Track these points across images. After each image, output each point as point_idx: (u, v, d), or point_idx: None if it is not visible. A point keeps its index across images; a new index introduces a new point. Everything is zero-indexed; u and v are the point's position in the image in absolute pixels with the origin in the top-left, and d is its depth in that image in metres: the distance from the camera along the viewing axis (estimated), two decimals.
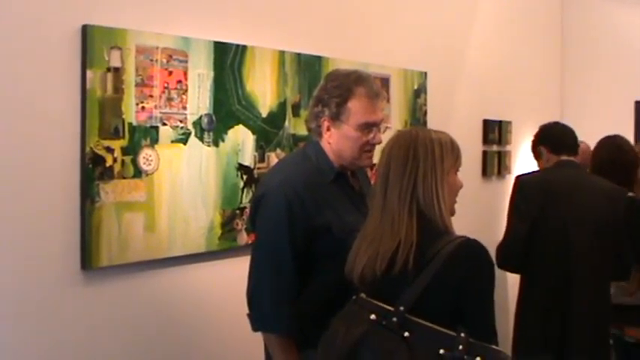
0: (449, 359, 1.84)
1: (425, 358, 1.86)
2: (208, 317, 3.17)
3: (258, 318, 2.35)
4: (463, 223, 2.31)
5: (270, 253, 2.32)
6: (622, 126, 6.23)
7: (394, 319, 1.89)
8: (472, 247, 1.98)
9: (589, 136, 5.15)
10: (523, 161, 5.50)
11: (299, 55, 3.53)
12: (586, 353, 3.41)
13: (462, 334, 1.86)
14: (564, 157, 3.57)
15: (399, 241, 1.96)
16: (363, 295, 1.96)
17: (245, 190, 3.26)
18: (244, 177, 3.26)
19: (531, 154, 3.82)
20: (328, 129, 2.39)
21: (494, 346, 1.90)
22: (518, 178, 3.61)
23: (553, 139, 3.64)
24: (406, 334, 1.87)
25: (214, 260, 3.17)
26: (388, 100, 4.08)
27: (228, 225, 3.19)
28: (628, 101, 6.37)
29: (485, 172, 5.25)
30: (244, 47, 3.24)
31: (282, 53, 3.43)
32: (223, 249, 3.18)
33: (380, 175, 2.06)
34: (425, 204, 1.99)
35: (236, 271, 3.09)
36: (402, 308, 1.90)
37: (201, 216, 3.08)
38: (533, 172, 3.75)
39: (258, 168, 3.32)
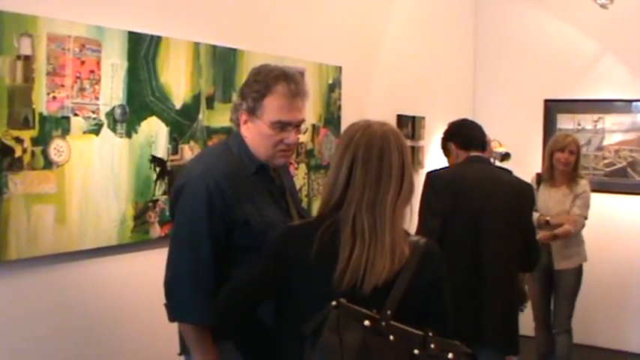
0: (424, 358, 1.96)
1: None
2: (120, 311, 3.22)
3: (176, 307, 2.40)
4: None
5: (189, 243, 2.38)
6: (532, 124, 6.60)
7: (383, 323, 1.95)
8: (435, 250, 2.12)
9: (500, 133, 5.44)
10: (436, 156, 5.73)
11: (214, 47, 3.61)
12: (497, 343, 3.60)
13: (430, 333, 1.98)
14: (474, 153, 3.76)
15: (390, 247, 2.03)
16: (343, 300, 1.94)
17: (158, 182, 3.32)
18: (157, 169, 3.33)
19: (442, 151, 3.99)
20: (245, 122, 2.47)
21: (456, 342, 2.03)
22: (429, 174, 3.76)
23: (462, 135, 3.82)
24: (391, 337, 1.95)
25: (126, 253, 3.23)
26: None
27: (140, 218, 3.25)
28: (538, 100, 6.73)
29: None
30: (159, 38, 3.31)
31: (197, 45, 3.51)
32: (136, 242, 3.24)
33: (365, 167, 2.05)
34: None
35: (149, 264, 3.17)
36: (389, 312, 1.96)
37: (114, 208, 3.13)
38: (444, 167, 3.92)
39: (172, 160, 3.39)
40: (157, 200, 3.32)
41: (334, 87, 4.63)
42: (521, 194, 3.73)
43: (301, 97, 2.46)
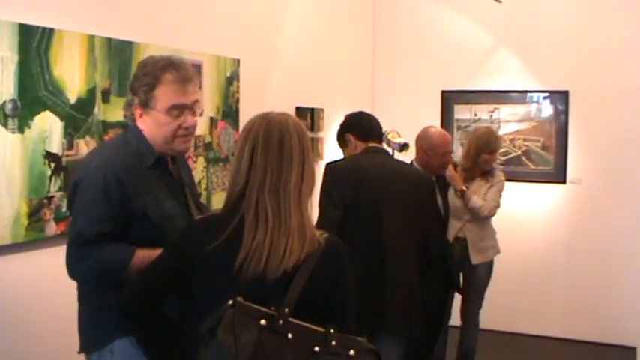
0: (325, 355, 2.02)
1: (302, 358, 1.99)
2: (16, 311, 3.21)
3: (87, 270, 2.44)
4: None
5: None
6: (429, 114, 6.86)
7: (280, 321, 1.98)
8: (338, 245, 2.19)
9: (399, 124, 5.59)
10: (335, 148, 5.88)
11: (109, 40, 3.64)
12: (399, 330, 3.78)
13: (332, 330, 2.05)
14: (372, 144, 3.93)
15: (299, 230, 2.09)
16: (240, 298, 1.97)
17: (53, 178, 3.32)
18: (52, 165, 3.32)
19: (337, 143, 4.14)
20: (141, 116, 2.55)
21: (359, 338, 2.11)
22: (328, 165, 3.90)
23: (362, 127, 3.99)
24: (290, 335, 1.99)
25: (21, 252, 3.21)
26: (200, 87, 4.23)
27: (35, 215, 3.25)
28: (435, 91, 7.03)
29: None
30: (52, 30, 3.30)
31: (91, 38, 3.53)
32: (31, 240, 3.23)
33: (265, 151, 2.11)
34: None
35: (45, 263, 3.19)
36: (286, 310, 1.99)
37: (6, 206, 3.12)
38: (343, 159, 4.08)
39: (67, 156, 3.40)
40: (53, 197, 3.32)
41: (232, 80, 4.71)
42: (420, 183, 3.93)
43: (191, 81, 2.55)
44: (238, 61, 4.78)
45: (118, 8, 3.78)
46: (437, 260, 4.33)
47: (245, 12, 5.01)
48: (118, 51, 3.69)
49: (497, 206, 5.18)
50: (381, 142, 4.02)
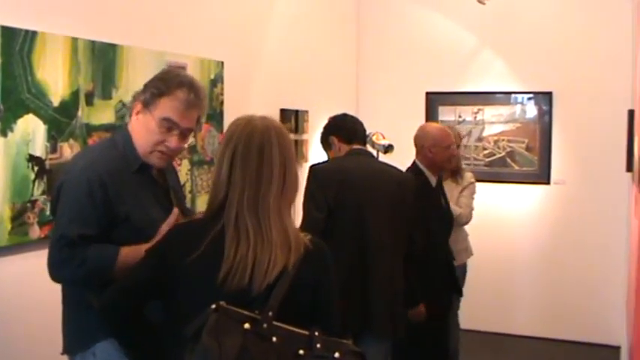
0: (310, 358, 2.00)
1: None
2: (0, 315, 3.20)
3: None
4: None
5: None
6: (414, 116, 6.89)
7: (264, 325, 1.97)
8: (321, 247, 2.19)
9: (383, 126, 5.64)
10: (319, 150, 5.90)
11: (93, 42, 3.64)
12: (384, 331, 3.80)
13: (316, 333, 2.04)
14: (356, 146, 3.96)
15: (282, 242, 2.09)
16: (223, 303, 1.96)
17: (36, 182, 3.32)
18: (35, 168, 3.32)
19: (321, 145, 4.16)
20: (137, 113, 2.58)
21: (344, 341, 2.11)
22: (312, 167, 3.91)
23: (346, 129, 4.01)
24: (274, 339, 1.98)
25: (4, 256, 3.21)
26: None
27: (18, 219, 3.24)
28: (419, 92, 7.06)
29: None
30: (34, 33, 3.30)
31: (75, 40, 3.53)
32: (14, 244, 3.23)
33: (244, 164, 2.10)
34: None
35: (29, 266, 3.18)
36: (270, 314, 1.98)
37: None
38: (327, 161, 4.10)
39: (50, 159, 3.40)
40: (36, 200, 3.32)
41: (216, 82, 4.72)
42: (403, 184, 3.95)
43: (197, 109, 2.58)
44: (222, 63, 4.78)
45: (102, 10, 3.78)
46: (442, 265, 4.43)
47: (229, 14, 5.02)
48: (102, 53, 3.69)
49: (472, 210, 5.20)
50: (365, 143, 4.05)
